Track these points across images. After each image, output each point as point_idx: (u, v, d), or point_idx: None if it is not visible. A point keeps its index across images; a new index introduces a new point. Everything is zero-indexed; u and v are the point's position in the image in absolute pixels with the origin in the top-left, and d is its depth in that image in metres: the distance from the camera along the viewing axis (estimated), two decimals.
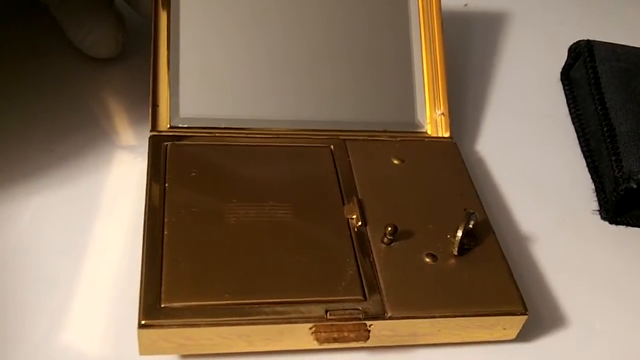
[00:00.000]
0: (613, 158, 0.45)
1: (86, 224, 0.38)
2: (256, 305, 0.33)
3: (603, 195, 0.46)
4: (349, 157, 0.42)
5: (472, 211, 0.37)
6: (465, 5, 0.59)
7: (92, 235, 0.38)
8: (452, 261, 0.37)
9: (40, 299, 0.35)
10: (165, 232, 0.35)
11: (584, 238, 0.44)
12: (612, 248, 0.44)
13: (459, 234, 0.37)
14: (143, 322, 0.32)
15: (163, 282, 0.33)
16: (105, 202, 0.40)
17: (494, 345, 0.37)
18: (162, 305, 0.32)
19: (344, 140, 0.43)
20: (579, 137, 0.50)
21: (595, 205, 0.46)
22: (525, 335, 0.37)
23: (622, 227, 0.45)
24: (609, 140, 0.46)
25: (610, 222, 0.45)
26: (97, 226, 0.38)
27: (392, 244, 0.37)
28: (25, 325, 0.34)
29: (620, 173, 0.44)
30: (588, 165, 0.49)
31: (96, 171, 0.41)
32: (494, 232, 0.39)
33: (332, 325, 0.33)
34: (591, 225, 0.45)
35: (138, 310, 0.32)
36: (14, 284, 0.35)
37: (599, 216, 0.46)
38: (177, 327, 0.32)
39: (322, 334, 0.33)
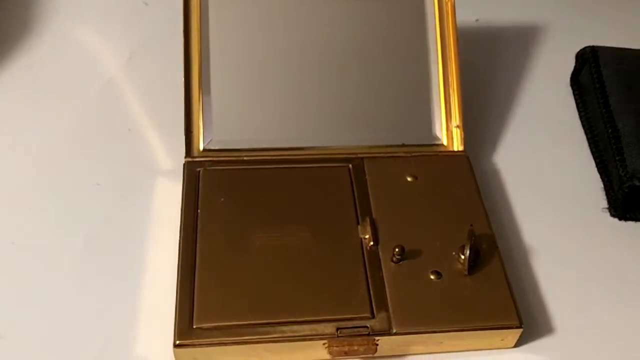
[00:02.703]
0: (617, 158, 0.48)
1: (129, 250, 0.43)
2: (276, 325, 0.38)
3: (612, 194, 0.49)
4: (365, 176, 0.45)
5: (472, 229, 0.41)
6: (477, 20, 0.61)
7: (134, 260, 0.43)
8: (456, 278, 0.41)
9: (88, 322, 0.40)
10: (197, 258, 0.40)
11: (594, 234, 0.47)
12: (622, 243, 0.47)
13: (467, 253, 0.40)
14: (178, 342, 0.37)
15: (195, 305, 0.38)
16: (149, 226, 0.45)
17: (495, 351, 0.41)
18: (195, 326, 0.37)
19: (362, 158, 0.46)
20: (588, 139, 0.53)
21: (605, 203, 0.49)
22: (533, 339, 0.41)
23: (631, 223, 0.48)
24: (613, 141, 0.49)
25: (620, 219, 0.49)
26: (140, 251, 0.43)
27: (400, 262, 0.41)
28: (74, 348, 0.39)
29: (624, 172, 0.47)
30: (597, 166, 0.51)
31: (136, 198, 0.46)
32: (497, 247, 0.42)
33: (343, 340, 0.38)
34: (601, 222, 0.48)
35: (173, 331, 0.37)
36: (68, 306, 0.41)
37: (608, 213, 0.49)
38: (208, 346, 0.37)
39: (335, 348, 0.38)
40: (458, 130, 0.48)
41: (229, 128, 0.46)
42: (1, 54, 0.54)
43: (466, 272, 0.41)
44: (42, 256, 0.43)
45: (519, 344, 0.40)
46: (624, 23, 0.63)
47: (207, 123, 0.46)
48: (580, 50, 0.56)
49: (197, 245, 0.41)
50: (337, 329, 0.38)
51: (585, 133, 0.53)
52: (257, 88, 0.47)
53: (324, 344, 0.38)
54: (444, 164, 0.47)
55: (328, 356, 0.38)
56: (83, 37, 0.57)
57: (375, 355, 0.39)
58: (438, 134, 0.48)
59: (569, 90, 0.57)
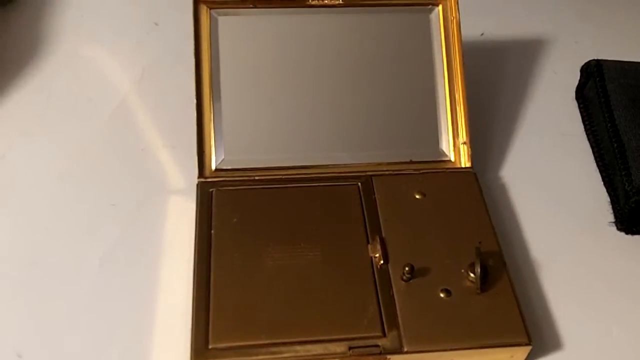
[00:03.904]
0: (623, 173, 0.49)
1: (143, 270, 0.44)
2: (289, 344, 0.39)
3: (618, 207, 0.50)
4: (374, 194, 0.46)
5: (479, 247, 0.41)
6: (482, 34, 0.62)
7: (148, 280, 0.44)
8: (465, 295, 0.41)
9: (103, 342, 0.41)
10: (212, 278, 0.41)
11: (601, 248, 0.48)
12: (629, 256, 0.48)
13: (478, 272, 0.41)
14: None
15: (210, 325, 0.39)
16: (163, 246, 0.46)
17: None
18: (210, 347, 0.38)
19: (371, 176, 0.47)
20: (594, 153, 0.54)
21: (611, 217, 0.50)
22: (543, 355, 0.42)
23: (638, 237, 0.49)
24: (619, 155, 0.50)
25: (626, 233, 0.49)
26: (154, 271, 0.44)
27: (410, 281, 0.42)
28: None
29: (630, 187, 0.48)
30: (603, 179, 0.52)
31: (150, 218, 0.47)
32: (505, 264, 0.43)
33: (355, 359, 0.39)
34: (608, 236, 0.49)
35: (189, 352, 0.38)
36: (85, 324, 0.42)
37: (615, 227, 0.49)
38: None
39: None
40: (465, 147, 0.49)
41: (240, 148, 0.47)
42: (14, 74, 0.55)
43: (479, 291, 0.41)
44: (58, 276, 0.44)
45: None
46: (629, 35, 0.64)
47: (219, 143, 0.47)
48: (585, 63, 0.57)
49: (212, 265, 0.42)
50: (350, 348, 0.39)
51: (591, 147, 0.54)
52: (267, 107, 0.48)
53: None
54: (451, 181, 0.48)
55: None
56: (95, 57, 0.58)
57: None
58: (445, 150, 0.49)
59: (575, 103, 0.58)
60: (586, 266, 0.47)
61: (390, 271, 0.42)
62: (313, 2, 0.48)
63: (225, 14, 0.48)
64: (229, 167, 0.47)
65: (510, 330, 0.40)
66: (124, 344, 0.41)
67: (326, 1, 0.48)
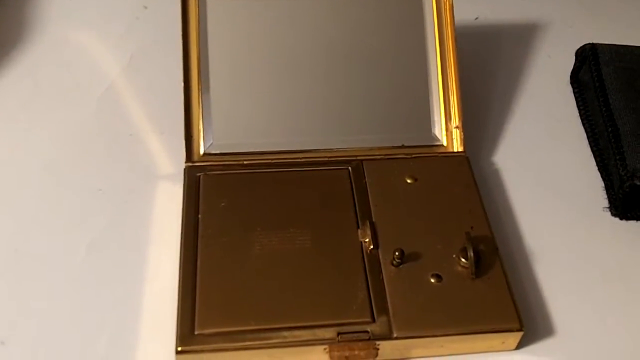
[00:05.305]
0: (617, 157, 0.48)
1: (131, 256, 0.44)
2: (277, 330, 0.38)
3: (612, 193, 0.49)
4: (365, 179, 0.45)
5: (469, 232, 0.41)
6: (476, 18, 0.61)
7: (136, 266, 0.43)
8: (456, 281, 0.41)
9: (90, 329, 0.40)
10: (199, 263, 0.40)
11: (595, 234, 0.47)
12: (623, 242, 0.47)
13: (471, 256, 0.40)
14: (179, 348, 0.37)
15: (197, 311, 0.38)
16: (151, 231, 0.45)
17: (496, 354, 0.41)
18: (196, 333, 0.38)
19: (362, 161, 0.47)
20: (588, 138, 0.53)
21: (606, 202, 0.49)
22: (535, 341, 0.41)
23: (632, 222, 0.48)
24: (613, 140, 0.49)
25: (621, 218, 0.48)
26: (141, 257, 0.44)
27: (400, 266, 0.41)
28: (75, 355, 0.39)
29: (625, 171, 0.47)
30: (598, 165, 0.51)
31: (138, 203, 0.46)
32: (497, 249, 0.42)
33: (344, 345, 0.38)
34: (602, 222, 0.48)
35: (175, 338, 0.37)
36: (71, 311, 0.41)
37: (609, 213, 0.49)
38: (210, 352, 0.37)
39: (336, 353, 0.38)
40: (458, 131, 0.48)
41: (229, 132, 0.46)
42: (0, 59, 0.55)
43: (473, 276, 0.40)
44: (44, 262, 0.43)
45: (520, 346, 0.41)
46: (625, 19, 0.63)
47: (207, 128, 0.46)
48: (580, 47, 0.56)
49: (198, 250, 0.41)
50: (338, 333, 0.38)
51: (586, 131, 0.53)
52: (256, 91, 0.47)
53: (324, 349, 0.38)
54: (443, 165, 0.47)
55: None
56: (83, 41, 0.57)
57: (377, 359, 0.39)
58: (438, 134, 0.48)
59: (569, 88, 0.57)
60: (580, 252, 0.46)
61: (380, 256, 0.42)
62: None
63: None
64: (218, 152, 0.46)
65: (501, 316, 0.40)
66: (111, 330, 0.40)
67: None
